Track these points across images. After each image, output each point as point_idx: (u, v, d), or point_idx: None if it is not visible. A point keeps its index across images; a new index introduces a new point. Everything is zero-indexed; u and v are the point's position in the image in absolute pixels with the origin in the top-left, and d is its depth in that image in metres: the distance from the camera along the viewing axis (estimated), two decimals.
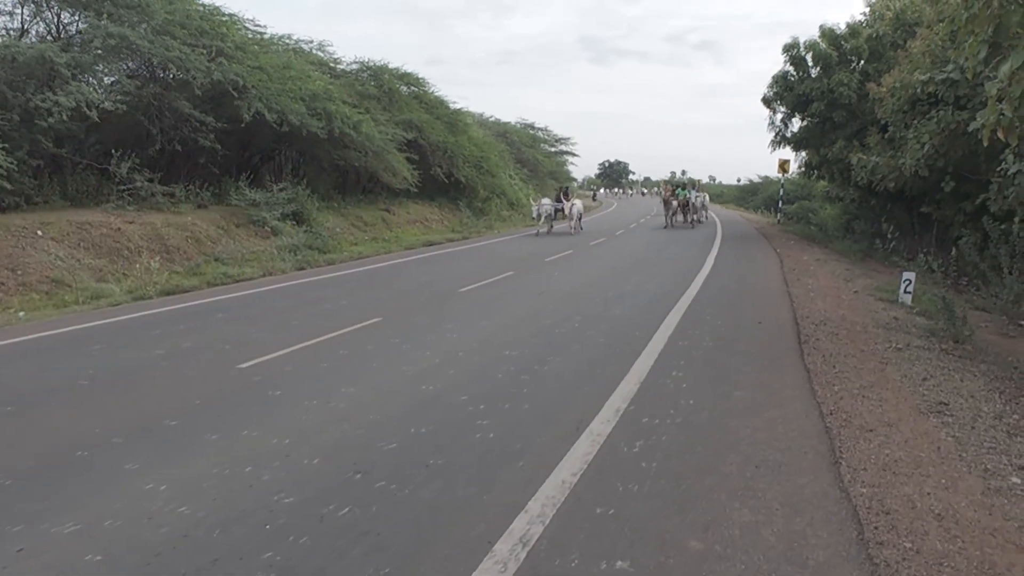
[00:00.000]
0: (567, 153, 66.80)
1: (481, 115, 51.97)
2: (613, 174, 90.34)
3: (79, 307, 13.26)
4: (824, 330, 11.45)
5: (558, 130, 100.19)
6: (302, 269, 18.43)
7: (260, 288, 15.21)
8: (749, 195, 71.26)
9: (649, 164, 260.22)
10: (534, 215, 32.98)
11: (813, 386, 8.26)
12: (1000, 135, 7.73)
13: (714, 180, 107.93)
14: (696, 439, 6.46)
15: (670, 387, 8.09)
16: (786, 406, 7.49)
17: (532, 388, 8.00)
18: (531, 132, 59.26)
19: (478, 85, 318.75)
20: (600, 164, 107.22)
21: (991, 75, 7.96)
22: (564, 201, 36.28)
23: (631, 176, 79.69)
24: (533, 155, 54.71)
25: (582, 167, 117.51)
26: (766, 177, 54.16)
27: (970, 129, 9.32)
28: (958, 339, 11.18)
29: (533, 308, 13.06)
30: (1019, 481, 5.87)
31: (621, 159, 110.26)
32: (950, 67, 14.71)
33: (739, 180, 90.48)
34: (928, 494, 5.50)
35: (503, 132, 52.29)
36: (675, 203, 39.55)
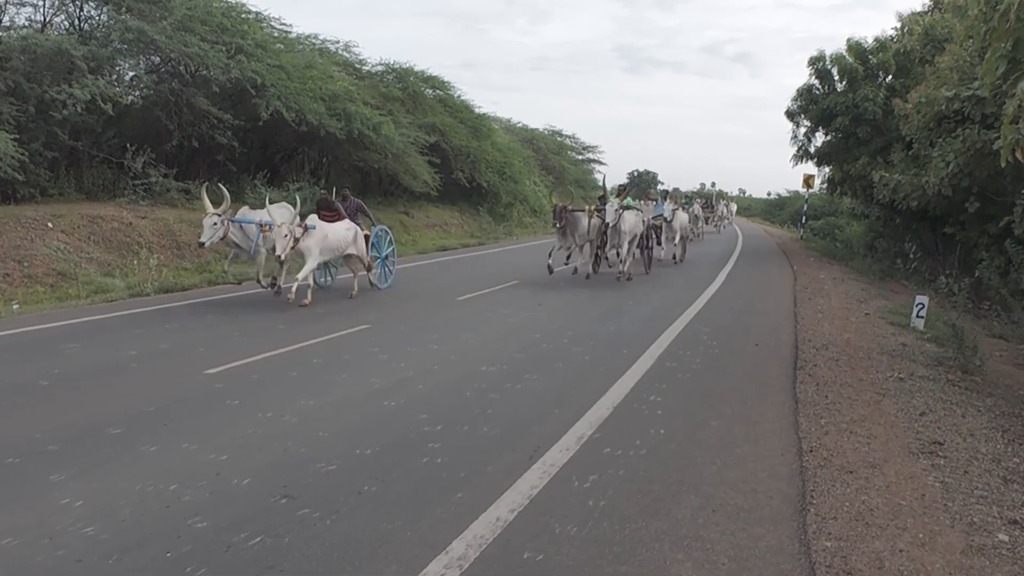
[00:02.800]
0: (594, 161, 66.11)
1: (508, 120, 51.68)
2: (642, 184, 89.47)
3: (80, 301, 13.13)
4: (824, 355, 10.92)
5: (587, 138, 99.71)
6: None
7: (259, 289, 14.92)
8: (776, 209, 70.60)
9: (679, 175, 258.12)
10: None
11: (798, 418, 7.74)
12: (1019, 155, 7.29)
13: (744, 193, 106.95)
14: (655, 475, 5.99)
15: (644, 413, 7.63)
16: (763, 440, 7.00)
17: (498, 409, 7.58)
18: (558, 139, 58.51)
19: (511, 90, 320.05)
20: (629, 173, 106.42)
21: (1011, 92, 7.53)
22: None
23: (660, 186, 78.87)
24: (559, 162, 54.03)
25: (610, 176, 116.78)
26: (795, 192, 53.60)
27: (996, 148, 8.83)
28: (967, 369, 10.63)
29: (525, 321, 12.66)
30: (1006, 539, 5.33)
31: (651, 169, 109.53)
32: (976, 84, 14.22)
33: (769, 194, 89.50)
34: (900, 551, 5.00)
35: (530, 138, 51.68)
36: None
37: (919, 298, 14.14)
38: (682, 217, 25.14)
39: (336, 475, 5.72)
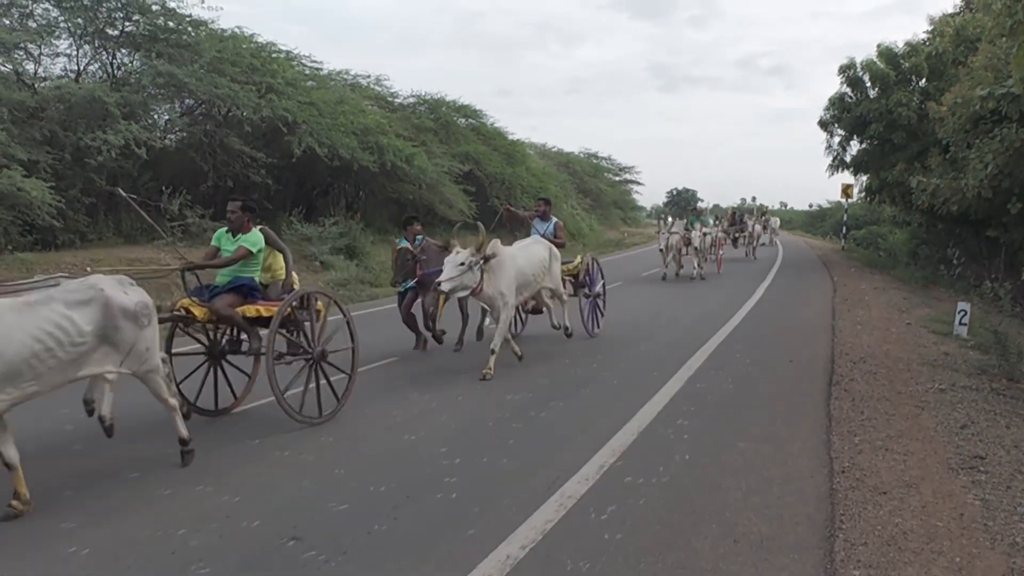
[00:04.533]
0: (631, 182, 66.02)
1: (543, 145, 51.68)
2: (681, 202, 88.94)
3: None
4: (861, 369, 10.62)
5: (625, 158, 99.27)
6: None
7: None
8: (817, 221, 69.78)
9: (718, 191, 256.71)
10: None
11: (831, 437, 7.49)
12: None
13: (785, 206, 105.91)
14: (677, 503, 5.78)
15: (670, 438, 7.41)
16: (793, 462, 6.76)
17: (519, 439, 7.41)
18: (594, 162, 58.52)
19: (546, 114, 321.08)
20: (668, 192, 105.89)
21: None
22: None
23: (700, 203, 78.39)
24: (596, 184, 53.93)
25: (648, 195, 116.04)
26: (835, 202, 52.74)
27: None
28: (1012, 377, 10.27)
29: (555, 347, 12.40)
30: None
31: (689, 187, 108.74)
32: (1011, 81, 13.86)
33: (811, 205, 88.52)
34: None
35: (565, 162, 51.65)
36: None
37: (961, 305, 13.77)
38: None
39: (347, 514, 5.59)
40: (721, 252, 28.10)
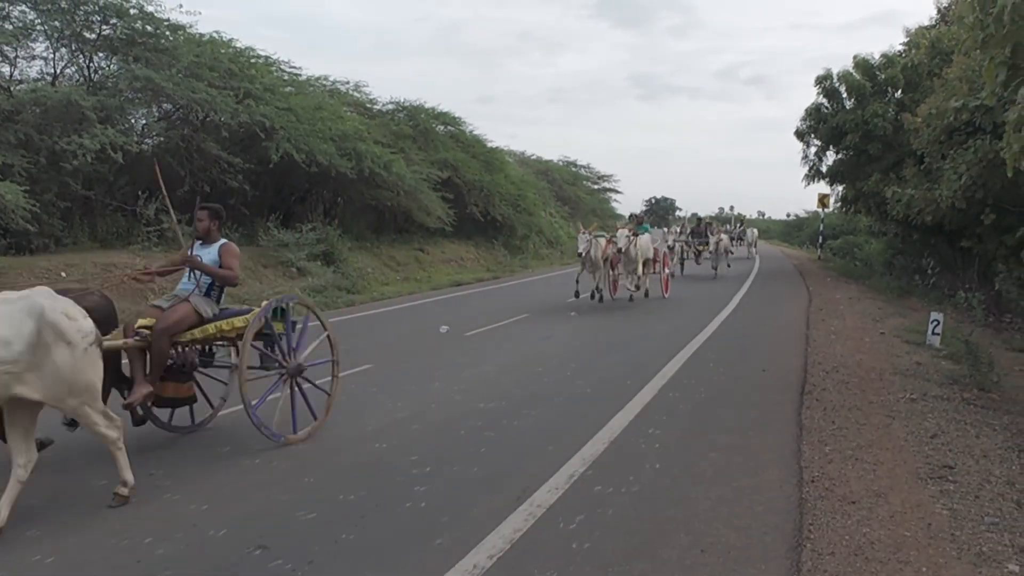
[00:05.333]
0: (610, 190, 66.32)
1: (523, 153, 51.85)
2: (659, 211, 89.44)
3: None
4: (834, 378, 10.66)
5: (604, 167, 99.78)
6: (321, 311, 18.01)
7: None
8: (795, 230, 70.34)
9: (697, 200, 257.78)
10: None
11: (802, 446, 7.50)
12: None
13: (763, 215, 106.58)
14: (646, 513, 5.78)
15: (641, 447, 7.42)
16: (763, 472, 6.77)
17: (490, 448, 7.40)
18: (573, 170, 58.75)
19: (528, 123, 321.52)
20: (646, 200, 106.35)
21: (1013, 100, 7.34)
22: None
23: (678, 212, 78.59)
24: (575, 192, 54.17)
25: (628, 203, 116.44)
26: (813, 212, 52.89)
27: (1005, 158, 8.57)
28: (983, 386, 10.34)
29: (530, 354, 12.46)
30: (1016, 569, 5.04)
31: (668, 195, 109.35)
32: (984, 93, 13.97)
33: (788, 215, 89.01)
34: None
35: (544, 170, 51.81)
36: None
37: (934, 315, 13.86)
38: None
39: (315, 523, 5.55)
40: (668, 270, 23.31)
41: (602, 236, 19.11)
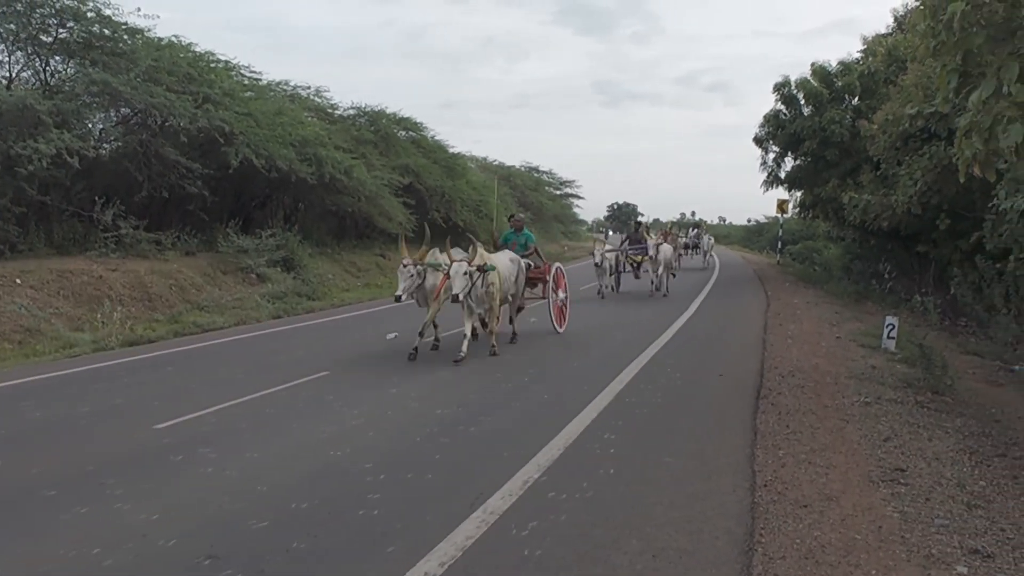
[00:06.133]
0: (572, 196, 66.68)
1: (485, 159, 51.92)
2: (622, 216, 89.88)
3: (46, 358, 12.84)
4: (789, 382, 10.75)
5: (567, 173, 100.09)
6: (278, 318, 17.90)
7: (225, 339, 14.73)
8: (755, 236, 70.71)
9: (659, 205, 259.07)
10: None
11: (755, 451, 7.55)
12: (976, 170, 7.16)
13: (724, 221, 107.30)
14: (599, 519, 5.78)
15: (596, 453, 7.43)
16: (716, 477, 6.80)
17: (446, 454, 7.38)
18: (535, 175, 59.02)
19: (492, 128, 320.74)
20: (609, 206, 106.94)
21: (965, 106, 7.43)
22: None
23: (640, 218, 79.25)
24: (537, 198, 54.23)
25: (590, 209, 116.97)
26: (773, 218, 53.27)
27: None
28: (937, 389, 10.47)
29: (489, 360, 12.42)
30: (965, 571, 5.11)
31: (631, 201, 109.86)
32: (937, 100, 14.17)
33: (749, 221, 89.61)
34: None
35: (506, 175, 51.74)
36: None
37: (889, 319, 13.99)
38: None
39: (267, 532, 5.51)
40: (562, 294, 15.76)
41: (437, 267, 12.68)
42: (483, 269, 12.44)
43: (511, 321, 14.54)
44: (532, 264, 15.13)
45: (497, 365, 11.97)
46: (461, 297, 12.09)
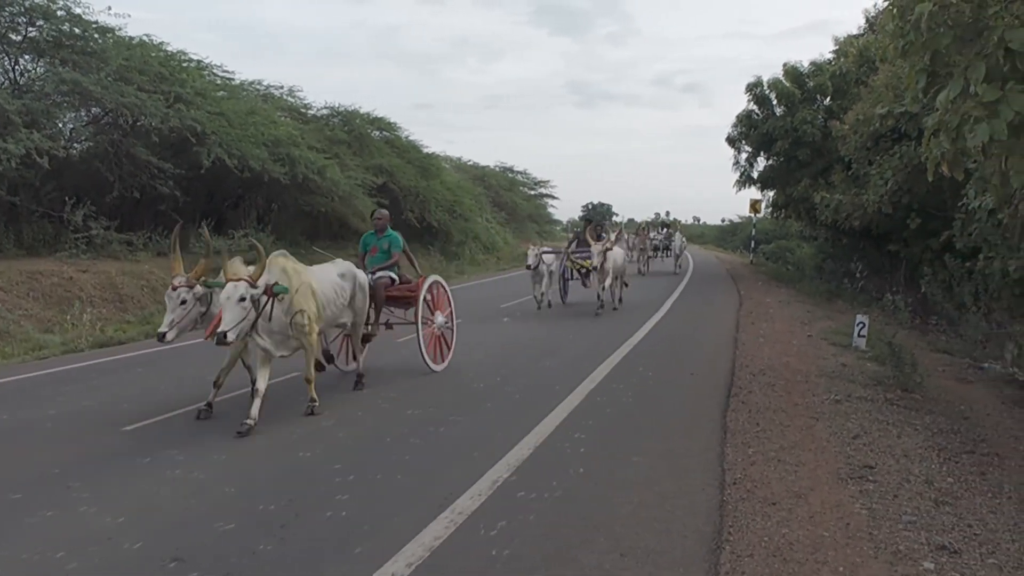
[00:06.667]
0: (547, 196, 66.94)
1: (459, 159, 51.98)
2: (596, 216, 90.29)
3: (17, 359, 12.74)
4: (760, 381, 10.79)
5: (542, 173, 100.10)
6: None
7: (196, 340, 14.54)
8: (729, 235, 71.10)
9: (634, 205, 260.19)
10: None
11: (725, 449, 7.57)
12: (944, 169, 7.21)
13: (698, 220, 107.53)
14: (568, 518, 5.78)
15: (566, 452, 7.41)
16: (686, 475, 6.80)
17: (416, 455, 7.35)
18: (509, 175, 59.16)
19: (465, 129, 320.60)
20: (583, 206, 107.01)
21: (934, 106, 7.48)
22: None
23: (615, 218, 79.46)
24: (511, 198, 54.39)
25: (565, 209, 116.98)
26: (748, 218, 53.57)
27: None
28: (906, 387, 10.55)
29: (459, 361, 12.20)
30: (932, 567, 5.13)
31: (605, 201, 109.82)
32: (907, 100, 14.31)
33: (723, 220, 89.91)
34: None
35: (481, 176, 51.95)
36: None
37: (859, 317, 14.09)
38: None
39: (233, 534, 5.47)
40: (442, 318, 12.04)
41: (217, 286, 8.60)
42: (271, 292, 8.43)
43: (355, 357, 10.99)
44: (395, 278, 11.52)
45: (467, 367, 11.84)
46: (231, 337, 7.91)
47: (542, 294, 19.28)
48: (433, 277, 12.07)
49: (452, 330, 12.28)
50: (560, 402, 9.39)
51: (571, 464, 7.04)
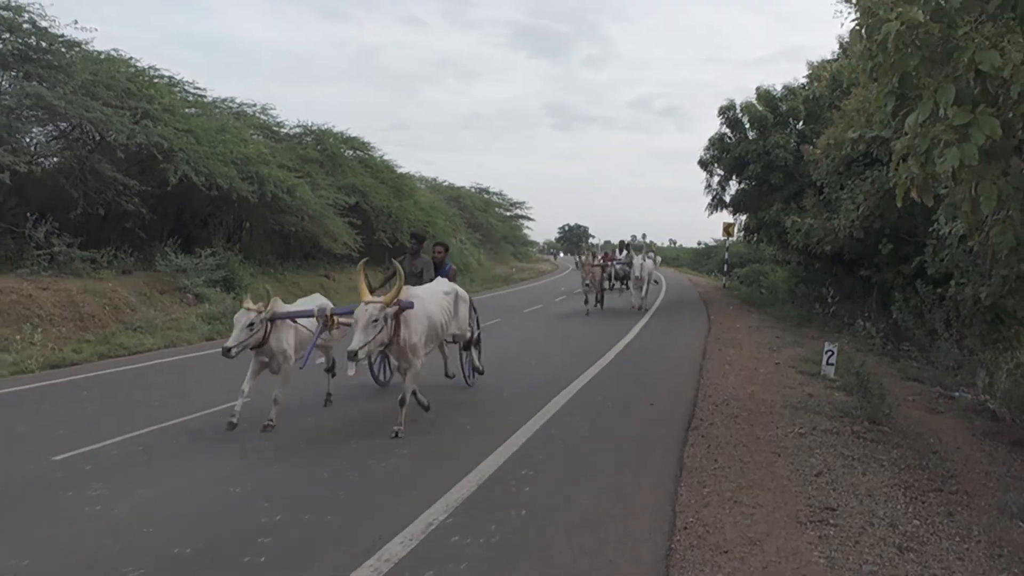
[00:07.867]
0: (522, 217, 66.97)
1: (434, 179, 51.91)
2: (573, 238, 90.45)
3: None
4: (723, 412, 10.44)
5: (519, 194, 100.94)
6: (211, 340, 17.34)
7: (151, 361, 14.22)
8: (704, 258, 71.14)
9: (610, 228, 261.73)
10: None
11: (679, 488, 7.22)
12: (913, 194, 6.99)
13: (674, 243, 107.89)
14: (500, 568, 5.40)
15: (511, 491, 7.02)
16: (633, 518, 6.43)
17: (352, 491, 6.95)
18: (485, 196, 59.14)
19: (443, 149, 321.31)
20: (560, 228, 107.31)
21: (899, 128, 7.27)
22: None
23: (591, 240, 79.73)
24: (487, 219, 54.35)
25: (541, 231, 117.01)
26: (722, 241, 53.50)
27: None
28: (874, 419, 10.21)
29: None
30: None
31: (581, 223, 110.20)
32: (875, 122, 14.16)
33: (699, 243, 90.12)
34: None
35: (456, 196, 51.95)
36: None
37: (828, 345, 13.79)
38: None
39: None
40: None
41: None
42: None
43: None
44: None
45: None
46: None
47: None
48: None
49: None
50: (513, 433, 8.99)
51: (513, 504, 6.65)
